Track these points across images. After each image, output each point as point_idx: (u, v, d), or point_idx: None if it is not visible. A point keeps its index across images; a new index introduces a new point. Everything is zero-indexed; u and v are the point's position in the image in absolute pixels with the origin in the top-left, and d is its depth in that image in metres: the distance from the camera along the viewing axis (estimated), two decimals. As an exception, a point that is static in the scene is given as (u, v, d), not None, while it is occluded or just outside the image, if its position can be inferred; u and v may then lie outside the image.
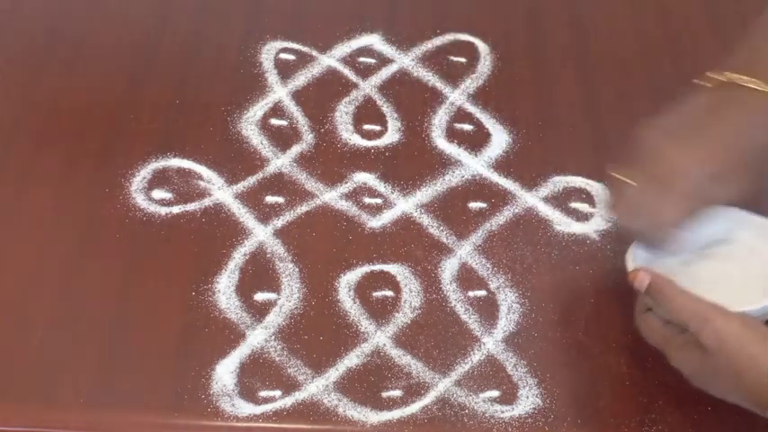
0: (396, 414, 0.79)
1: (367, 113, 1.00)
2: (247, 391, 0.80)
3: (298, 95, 1.01)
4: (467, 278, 0.88)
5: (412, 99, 1.01)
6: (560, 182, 0.95)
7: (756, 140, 0.76)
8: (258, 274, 0.87)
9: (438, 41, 1.07)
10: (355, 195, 0.93)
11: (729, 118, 0.76)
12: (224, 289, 0.86)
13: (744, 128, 0.76)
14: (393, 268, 0.88)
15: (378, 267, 0.88)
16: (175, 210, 0.91)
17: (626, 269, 0.78)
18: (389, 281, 0.87)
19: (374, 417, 0.79)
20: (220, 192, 0.93)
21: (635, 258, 0.79)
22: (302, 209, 0.92)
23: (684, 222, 0.76)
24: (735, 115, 0.76)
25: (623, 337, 0.83)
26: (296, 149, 0.97)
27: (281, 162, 0.95)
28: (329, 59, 1.05)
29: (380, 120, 0.99)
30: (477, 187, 0.94)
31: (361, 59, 1.05)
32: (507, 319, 0.85)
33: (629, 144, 0.78)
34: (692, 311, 0.73)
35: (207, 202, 0.92)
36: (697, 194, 0.76)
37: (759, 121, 0.76)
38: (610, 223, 0.91)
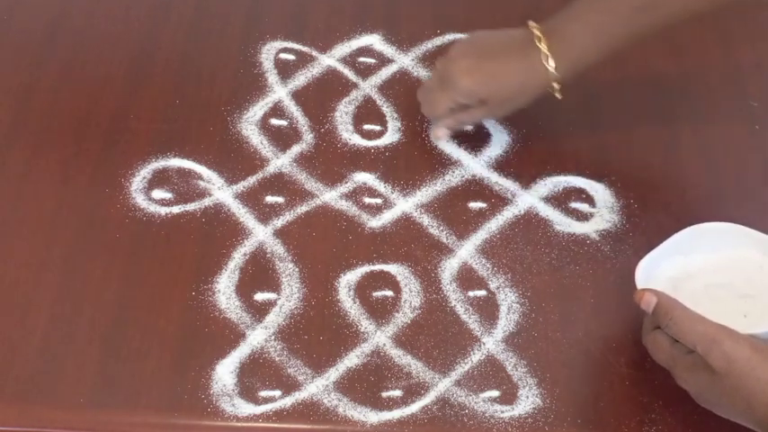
0: (396, 414, 0.79)
1: (367, 113, 1.00)
2: (247, 391, 0.80)
3: (298, 95, 1.01)
4: (467, 278, 0.88)
5: (412, 99, 1.00)
6: (560, 182, 0.95)
7: (521, 87, 0.90)
8: (258, 274, 0.87)
9: (438, 41, 1.07)
10: (355, 195, 0.93)
11: (512, 62, 0.90)
12: (224, 289, 0.86)
13: (517, 75, 0.90)
14: (393, 268, 0.88)
15: (378, 267, 0.88)
16: (175, 210, 0.91)
17: (633, 281, 0.78)
18: (389, 281, 0.87)
19: (374, 417, 0.79)
20: (220, 192, 0.93)
21: (642, 275, 0.79)
22: (302, 209, 0.92)
23: (446, 116, 0.94)
24: (517, 61, 0.90)
25: (623, 337, 0.83)
26: (296, 149, 0.97)
27: (281, 162, 0.95)
28: (329, 59, 1.04)
29: (380, 120, 0.99)
30: (477, 187, 0.94)
31: (361, 59, 1.05)
32: (507, 319, 0.85)
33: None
34: (699, 334, 0.72)
35: (207, 202, 0.92)
36: (460, 102, 0.92)
37: (531, 73, 0.89)
38: (609, 223, 0.92)
